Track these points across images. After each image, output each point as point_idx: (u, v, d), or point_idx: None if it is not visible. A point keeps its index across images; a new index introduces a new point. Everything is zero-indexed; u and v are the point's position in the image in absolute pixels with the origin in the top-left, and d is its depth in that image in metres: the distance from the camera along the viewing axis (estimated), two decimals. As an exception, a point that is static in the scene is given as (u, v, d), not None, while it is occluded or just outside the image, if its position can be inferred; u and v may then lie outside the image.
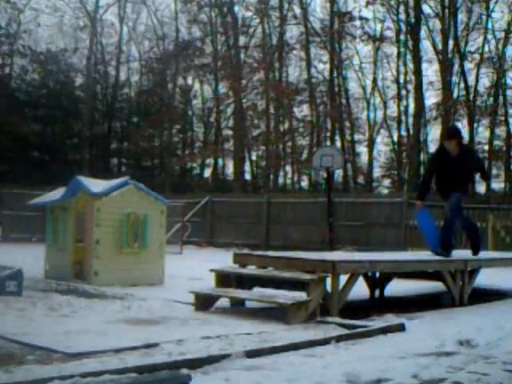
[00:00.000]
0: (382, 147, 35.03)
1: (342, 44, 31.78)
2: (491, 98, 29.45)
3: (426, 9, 28.53)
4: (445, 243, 8.39)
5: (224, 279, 7.15)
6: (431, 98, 32.40)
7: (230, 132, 32.90)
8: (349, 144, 32.55)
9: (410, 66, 29.80)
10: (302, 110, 32.86)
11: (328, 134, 32.18)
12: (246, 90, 31.25)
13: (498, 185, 30.88)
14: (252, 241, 20.32)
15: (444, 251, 8.33)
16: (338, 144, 30.55)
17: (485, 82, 30.03)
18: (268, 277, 6.89)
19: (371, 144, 33.12)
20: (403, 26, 29.95)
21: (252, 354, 4.58)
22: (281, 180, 33.38)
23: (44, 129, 31.62)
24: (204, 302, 6.88)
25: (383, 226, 18.39)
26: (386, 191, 34.07)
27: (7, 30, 30.92)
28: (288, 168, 33.85)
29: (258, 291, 7.01)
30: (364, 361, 4.52)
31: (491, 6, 28.36)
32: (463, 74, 29.21)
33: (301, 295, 6.33)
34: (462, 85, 29.45)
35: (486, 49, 29.62)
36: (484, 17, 28.92)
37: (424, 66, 29.32)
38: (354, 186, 32.78)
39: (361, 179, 34.84)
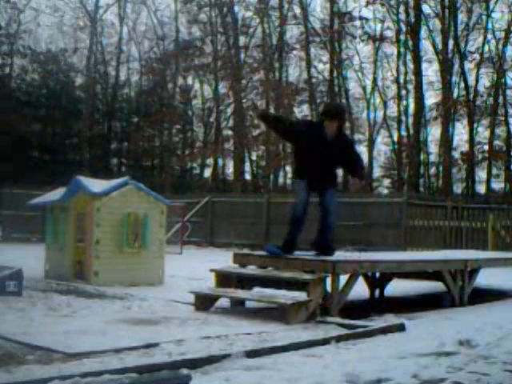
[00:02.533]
0: (382, 147, 35.10)
1: (341, 44, 31.79)
2: (491, 98, 29.46)
3: (426, 9, 28.61)
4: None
5: (224, 279, 7.15)
6: (431, 98, 32.42)
7: (230, 132, 32.91)
8: (349, 144, 32.49)
9: (410, 66, 29.84)
10: (302, 110, 32.87)
11: (328, 134, 32.15)
12: (246, 90, 31.26)
13: (497, 185, 30.92)
14: (252, 241, 20.32)
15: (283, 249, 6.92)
16: (338, 144, 30.48)
17: (485, 82, 30.12)
18: (268, 277, 6.89)
19: (371, 144, 33.14)
20: (403, 26, 29.99)
21: (252, 354, 4.58)
22: (281, 180, 33.40)
23: (44, 129, 31.63)
24: (204, 302, 6.88)
25: (383, 226, 18.39)
26: (385, 191, 34.10)
27: (7, 30, 30.93)
28: (288, 168, 33.87)
29: (257, 291, 7.01)
30: (364, 361, 4.52)
31: (491, 6, 28.43)
32: (463, 74, 29.24)
33: (301, 295, 6.32)
34: (462, 85, 29.49)
35: (486, 49, 29.70)
36: (484, 17, 28.97)
37: (424, 65, 29.41)
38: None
39: (361, 179, 34.77)
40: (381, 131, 34.06)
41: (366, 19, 30.71)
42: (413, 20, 28.34)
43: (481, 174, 30.68)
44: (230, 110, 32.78)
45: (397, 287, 8.92)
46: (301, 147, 6.83)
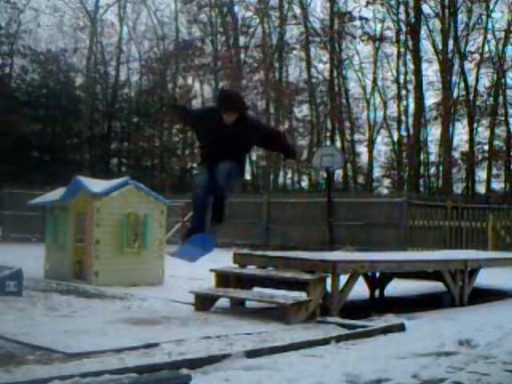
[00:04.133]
0: (382, 147, 35.08)
1: (341, 44, 31.80)
2: (491, 98, 29.47)
3: (426, 9, 28.62)
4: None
5: (224, 279, 7.15)
6: (431, 98, 32.43)
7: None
8: (349, 144, 32.55)
9: (410, 66, 29.84)
10: (302, 110, 32.88)
11: (328, 134, 32.20)
12: (245, 90, 31.25)
13: (497, 185, 30.92)
14: (252, 241, 20.31)
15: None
16: (338, 144, 30.55)
17: (485, 82, 30.11)
18: (268, 277, 6.89)
19: (371, 144, 33.14)
20: (403, 26, 29.98)
21: (252, 354, 4.58)
22: (281, 180, 33.40)
23: (44, 129, 31.61)
24: (204, 302, 6.88)
25: (383, 225, 18.38)
26: (385, 191, 34.09)
27: (7, 30, 30.93)
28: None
29: (257, 291, 7.01)
30: (364, 361, 4.52)
31: (491, 6, 28.44)
32: (463, 73, 29.24)
33: (301, 295, 6.33)
34: (462, 85, 29.50)
35: (486, 49, 29.71)
36: (484, 17, 28.97)
37: (424, 65, 29.41)
38: (354, 185, 32.78)
39: (361, 179, 34.84)
40: (381, 131, 34.08)
41: (366, 19, 30.74)
42: (413, 20, 28.34)
43: (481, 174, 30.72)
44: (229, 110, 32.71)
45: (397, 287, 8.92)
46: (201, 134, 6.34)
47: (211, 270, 7.27)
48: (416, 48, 28.05)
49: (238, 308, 7.03)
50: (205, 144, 6.25)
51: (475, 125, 29.48)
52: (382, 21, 30.86)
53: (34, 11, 31.75)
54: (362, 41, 31.15)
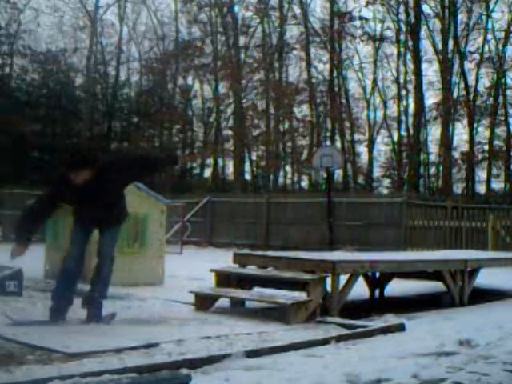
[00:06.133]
0: (382, 147, 35.07)
1: (342, 44, 31.79)
2: (491, 98, 29.47)
3: (426, 9, 28.63)
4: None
5: (224, 279, 7.15)
6: (431, 98, 32.44)
7: (230, 132, 32.91)
8: (349, 144, 32.55)
9: (410, 66, 29.84)
10: (302, 110, 32.88)
11: (328, 134, 32.21)
12: (245, 90, 31.26)
13: (497, 185, 30.92)
14: (252, 241, 20.33)
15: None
16: (338, 144, 30.56)
17: (485, 82, 30.11)
18: (268, 277, 6.89)
19: (371, 144, 33.15)
20: (403, 26, 30.00)
21: (252, 354, 4.58)
22: (281, 180, 33.41)
23: (44, 129, 31.59)
24: (204, 302, 6.88)
25: (383, 225, 18.40)
26: (385, 191, 34.09)
27: (7, 30, 30.92)
28: (288, 168, 33.90)
29: (257, 291, 7.01)
30: (364, 361, 4.52)
31: (491, 6, 28.46)
32: (463, 73, 29.23)
33: (301, 295, 6.33)
34: (462, 85, 29.49)
35: (486, 49, 29.71)
36: (484, 17, 28.98)
37: (424, 66, 29.42)
38: (354, 185, 32.78)
39: (361, 179, 34.85)
40: (381, 131, 34.07)
41: (366, 19, 30.74)
42: (413, 20, 28.35)
43: (481, 174, 30.71)
44: (230, 110, 32.77)
45: (397, 287, 8.92)
46: (66, 200, 5.82)
47: (211, 270, 7.27)
48: (416, 48, 28.06)
49: (237, 308, 7.03)
50: (75, 207, 5.84)
51: (475, 125, 29.47)
52: (382, 21, 30.90)
53: (34, 11, 31.75)
54: (362, 41, 31.19)
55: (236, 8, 31.23)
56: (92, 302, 5.79)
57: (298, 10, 31.51)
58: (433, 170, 32.84)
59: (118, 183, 5.76)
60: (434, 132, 31.75)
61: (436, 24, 28.83)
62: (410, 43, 29.11)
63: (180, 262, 12.83)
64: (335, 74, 31.65)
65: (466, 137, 29.71)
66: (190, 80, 34.58)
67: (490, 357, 4.75)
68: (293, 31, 32.25)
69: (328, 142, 30.29)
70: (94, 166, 5.47)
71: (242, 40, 31.68)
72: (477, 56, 29.51)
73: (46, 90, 31.40)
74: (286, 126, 32.02)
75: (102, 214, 5.74)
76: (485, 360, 4.66)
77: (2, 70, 31.48)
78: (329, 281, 6.48)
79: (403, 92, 31.37)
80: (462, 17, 28.98)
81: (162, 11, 34.97)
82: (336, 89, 31.60)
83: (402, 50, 30.99)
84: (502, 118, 29.35)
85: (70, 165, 5.47)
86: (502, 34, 28.66)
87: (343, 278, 6.69)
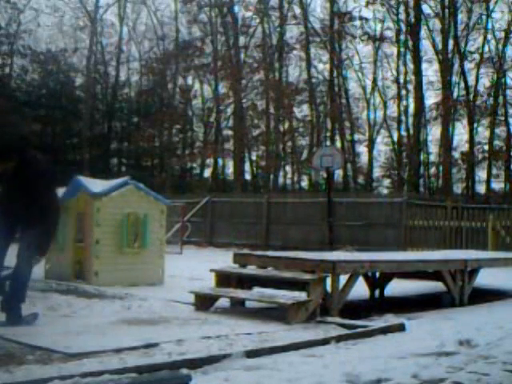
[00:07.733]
0: (382, 147, 35.07)
1: (342, 44, 31.78)
2: (491, 98, 29.46)
3: (426, 9, 28.60)
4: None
5: (224, 279, 7.15)
6: (431, 98, 32.47)
7: (230, 132, 32.91)
8: (349, 144, 32.55)
9: (410, 66, 29.82)
10: (302, 110, 32.88)
11: (328, 134, 32.20)
12: (245, 90, 31.26)
13: (497, 185, 30.91)
14: (252, 241, 20.33)
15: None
16: (338, 144, 30.55)
17: (485, 82, 30.09)
18: (268, 277, 6.89)
19: (371, 144, 33.14)
20: (403, 26, 29.98)
21: (252, 354, 4.58)
22: (281, 180, 33.41)
23: (44, 129, 31.59)
24: (204, 302, 6.88)
25: (383, 226, 18.40)
26: (385, 191, 34.08)
27: (7, 30, 30.91)
28: (288, 168, 33.89)
29: (257, 291, 7.01)
30: (364, 361, 4.52)
31: (491, 6, 28.42)
32: (463, 73, 29.23)
33: (301, 295, 6.33)
34: (462, 85, 29.48)
35: (486, 49, 29.68)
36: (484, 17, 28.97)
37: (424, 66, 29.41)
38: (354, 185, 32.78)
39: (361, 179, 34.84)
40: (381, 131, 34.07)
41: (366, 19, 30.72)
42: (413, 20, 28.34)
43: (481, 174, 30.69)
44: (230, 110, 32.77)
45: (397, 287, 8.92)
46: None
47: (211, 270, 7.28)
48: (416, 48, 28.05)
49: (238, 308, 7.03)
50: None
51: (475, 125, 29.46)
52: (382, 21, 30.89)
53: (34, 11, 31.73)
54: (362, 41, 31.18)
55: (236, 8, 31.26)
56: (8, 305, 5.52)
57: (298, 10, 31.53)
58: (433, 170, 32.85)
59: (32, 186, 5.50)
60: (434, 132, 31.79)
61: (436, 24, 28.84)
62: (410, 43, 29.09)
63: (180, 262, 12.84)
64: (335, 74, 31.64)
65: (465, 137, 29.74)
66: (190, 80, 34.61)
67: (490, 357, 4.75)
68: (293, 31, 32.28)
69: (328, 142, 30.29)
70: (9, 160, 5.43)
71: (242, 40, 31.69)
72: (477, 56, 29.52)
73: (46, 90, 31.40)
74: (286, 126, 32.01)
75: (19, 212, 5.56)
76: (485, 360, 4.66)
77: (2, 70, 31.48)
78: (329, 281, 6.48)
79: (403, 92, 31.38)
80: (462, 17, 29.00)
81: (162, 11, 35.03)
82: (336, 89, 31.59)
83: (401, 49, 30.99)
84: (502, 118, 29.34)
85: None
86: (502, 34, 28.66)
87: (343, 278, 6.69)
